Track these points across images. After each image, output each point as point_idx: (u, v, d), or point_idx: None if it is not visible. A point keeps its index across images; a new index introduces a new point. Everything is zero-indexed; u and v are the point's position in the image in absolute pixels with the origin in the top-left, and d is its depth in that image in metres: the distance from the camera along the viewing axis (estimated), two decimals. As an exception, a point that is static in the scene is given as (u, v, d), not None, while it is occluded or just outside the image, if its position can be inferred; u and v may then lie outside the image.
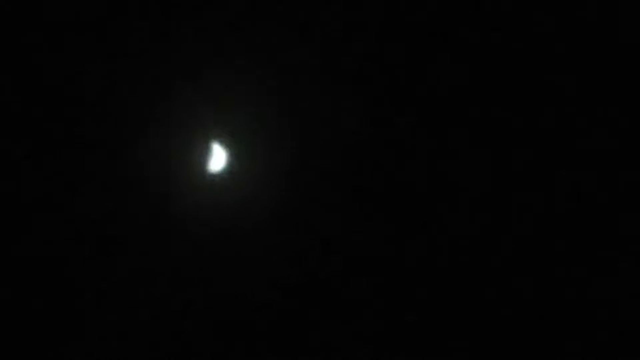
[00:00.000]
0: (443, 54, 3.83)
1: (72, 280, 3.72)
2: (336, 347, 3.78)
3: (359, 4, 3.82)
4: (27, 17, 3.73)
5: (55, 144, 3.74)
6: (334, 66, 3.84)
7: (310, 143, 3.81)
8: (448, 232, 3.81)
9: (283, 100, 3.82)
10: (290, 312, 3.80)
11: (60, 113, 3.75)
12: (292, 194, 3.81)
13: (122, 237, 3.75)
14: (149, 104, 3.77)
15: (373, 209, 3.84)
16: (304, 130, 3.81)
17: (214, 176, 3.77)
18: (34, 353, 3.65)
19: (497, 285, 3.76)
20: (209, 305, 3.79)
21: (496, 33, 3.81)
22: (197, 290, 3.79)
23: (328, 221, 3.83)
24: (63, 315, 3.71)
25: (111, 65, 3.77)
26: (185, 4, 3.77)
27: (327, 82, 3.83)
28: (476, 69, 3.82)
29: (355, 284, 3.81)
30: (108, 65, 3.76)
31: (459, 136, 3.83)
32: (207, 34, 3.77)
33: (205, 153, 3.77)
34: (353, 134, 3.84)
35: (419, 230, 3.82)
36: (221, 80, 3.79)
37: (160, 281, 3.78)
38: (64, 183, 3.73)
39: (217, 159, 3.76)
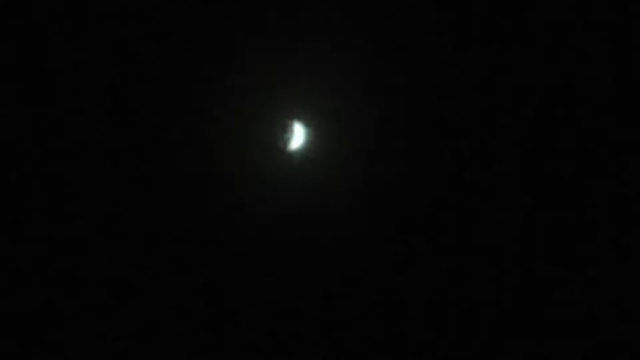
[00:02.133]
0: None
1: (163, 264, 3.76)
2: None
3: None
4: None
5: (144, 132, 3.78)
6: (419, 46, 3.82)
7: (392, 123, 3.80)
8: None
9: (366, 81, 3.81)
10: (373, 291, 3.79)
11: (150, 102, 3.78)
12: (372, 175, 3.80)
13: (207, 222, 3.78)
14: (231, 86, 3.79)
15: (451, 191, 3.83)
16: (385, 110, 3.80)
17: (294, 155, 3.78)
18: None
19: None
20: (294, 284, 3.81)
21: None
22: (278, 272, 3.81)
23: (408, 201, 3.82)
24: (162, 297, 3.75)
25: (198, 46, 3.79)
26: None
27: (411, 62, 3.82)
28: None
29: (437, 268, 3.79)
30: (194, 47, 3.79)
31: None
32: (291, 13, 3.77)
33: (285, 132, 3.78)
34: (435, 115, 3.81)
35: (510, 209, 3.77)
36: (303, 60, 3.80)
37: (240, 262, 3.81)
38: (153, 168, 3.78)
39: (297, 137, 3.77)
